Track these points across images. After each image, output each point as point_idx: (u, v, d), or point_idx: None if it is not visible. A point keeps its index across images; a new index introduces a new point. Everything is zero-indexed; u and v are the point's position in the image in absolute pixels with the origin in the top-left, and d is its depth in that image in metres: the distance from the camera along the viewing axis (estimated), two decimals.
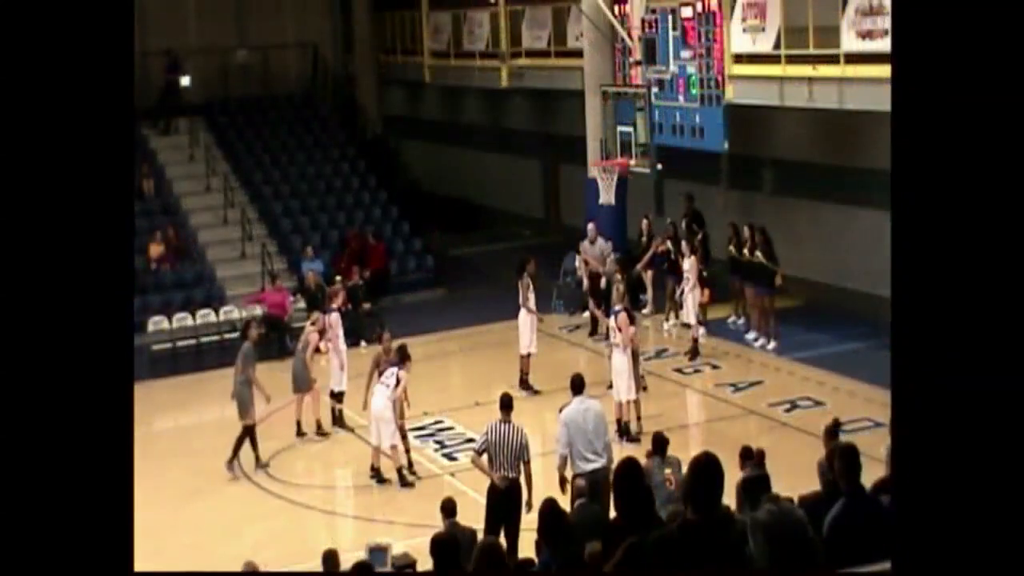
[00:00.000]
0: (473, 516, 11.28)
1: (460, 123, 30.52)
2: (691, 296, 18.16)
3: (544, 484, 11.28)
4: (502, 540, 9.96)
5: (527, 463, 11.19)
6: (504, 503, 11.03)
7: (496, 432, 11.25)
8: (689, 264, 18.27)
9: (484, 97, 28.78)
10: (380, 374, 14.02)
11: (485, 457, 11.29)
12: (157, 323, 20.10)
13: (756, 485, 8.55)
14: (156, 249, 21.93)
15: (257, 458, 14.59)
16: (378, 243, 23.00)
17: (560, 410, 11.85)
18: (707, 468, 5.12)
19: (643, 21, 20.00)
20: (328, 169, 25.53)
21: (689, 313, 18.22)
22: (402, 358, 14.00)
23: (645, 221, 20.26)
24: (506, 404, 11.52)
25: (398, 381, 13.73)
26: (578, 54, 21.69)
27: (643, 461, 9.89)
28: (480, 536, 9.85)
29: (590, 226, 20.08)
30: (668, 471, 10.85)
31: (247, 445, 14.58)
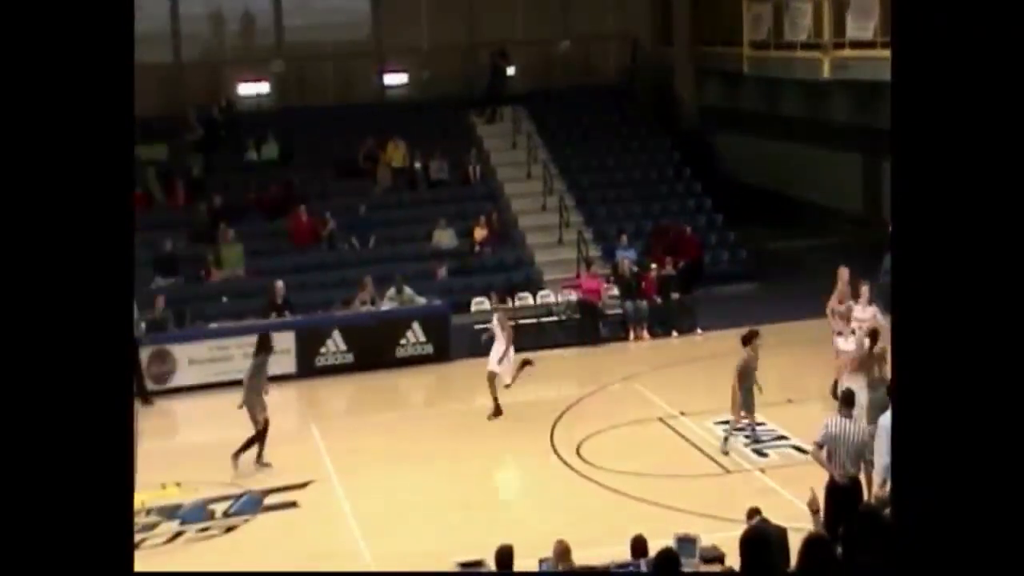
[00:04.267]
0: (783, 515, 11.30)
1: (778, 115, 30.09)
2: None
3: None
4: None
5: (868, 462, 11.05)
6: (844, 499, 10.79)
7: (837, 427, 11.14)
8: None
9: (803, 88, 28.23)
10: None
11: (825, 452, 11.17)
12: (479, 304, 21.06)
13: None
14: (480, 232, 22.99)
15: (259, 455, 15.10)
16: (692, 234, 23.14)
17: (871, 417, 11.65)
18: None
19: None
20: (644, 159, 25.90)
21: None
22: (745, 341, 14.78)
23: None
24: (847, 399, 11.47)
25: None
26: None
27: None
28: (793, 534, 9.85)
29: None
30: None
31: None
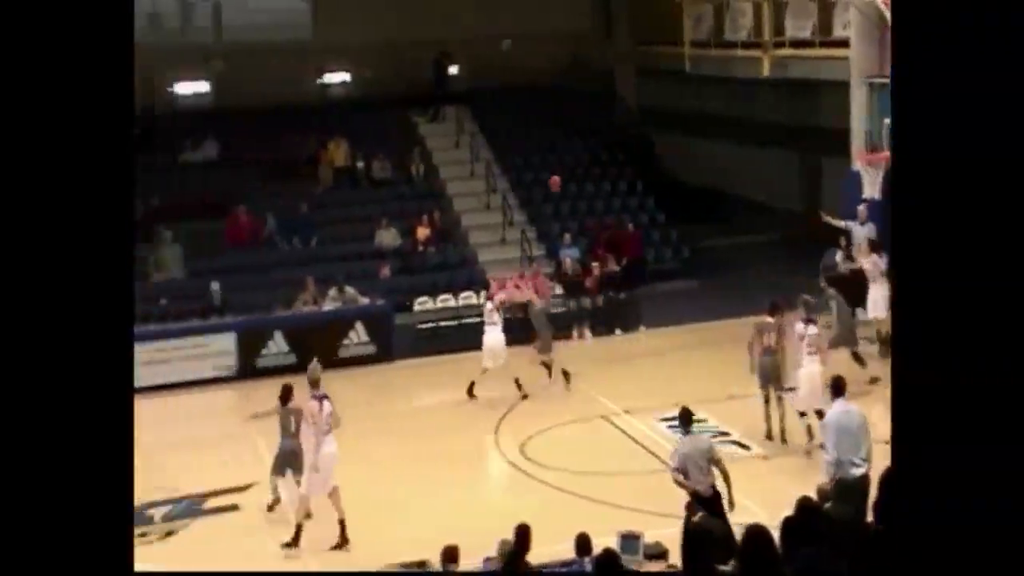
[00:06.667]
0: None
1: (717, 114, 30.28)
2: (878, 292, 17.57)
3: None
4: None
5: (718, 462, 11.20)
6: (710, 509, 10.88)
7: (685, 446, 11.33)
8: (871, 261, 17.72)
9: (743, 88, 28.44)
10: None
11: (681, 474, 11.20)
12: (422, 303, 20.99)
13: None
14: (423, 231, 22.90)
15: None
16: (634, 232, 23.21)
17: (819, 414, 11.71)
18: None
19: None
20: (586, 158, 25.95)
21: (877, 307, 17.64)
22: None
23: None
24: (686, 418, 11.61)
25: None
26: (844, 44, 21.20)
27: None
28: (734, 528, 9.91)
29: (860, 207, 19.79)
30: None
31: None
